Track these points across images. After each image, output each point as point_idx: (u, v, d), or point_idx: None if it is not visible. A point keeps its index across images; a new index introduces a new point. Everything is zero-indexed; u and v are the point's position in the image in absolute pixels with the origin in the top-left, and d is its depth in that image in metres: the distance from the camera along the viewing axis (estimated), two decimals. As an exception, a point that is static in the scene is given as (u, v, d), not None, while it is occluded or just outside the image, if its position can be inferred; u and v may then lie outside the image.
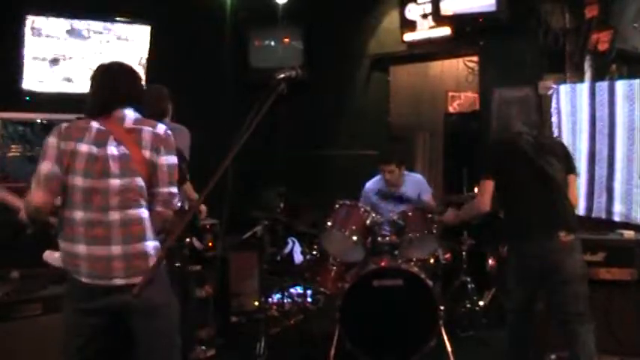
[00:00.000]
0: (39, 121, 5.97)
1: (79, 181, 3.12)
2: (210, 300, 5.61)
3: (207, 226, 5.56)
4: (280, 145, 7.59)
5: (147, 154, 3.19)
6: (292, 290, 6.30)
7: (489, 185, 4.23)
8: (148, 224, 3.20)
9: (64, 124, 3.21)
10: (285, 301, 6.07)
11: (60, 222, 3.19)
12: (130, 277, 3.09)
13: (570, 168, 4.38)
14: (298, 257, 6.41)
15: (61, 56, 6.09)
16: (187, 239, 4.66)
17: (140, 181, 3.17)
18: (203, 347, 5.26)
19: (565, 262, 4.05)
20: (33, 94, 5.98)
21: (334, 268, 5.59)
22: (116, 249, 3.10)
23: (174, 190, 3.28)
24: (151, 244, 3.18)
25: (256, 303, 6.17)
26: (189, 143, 4.93)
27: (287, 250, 6.56)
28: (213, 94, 7.19)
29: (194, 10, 7.18)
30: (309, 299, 5.90)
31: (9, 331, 4.37)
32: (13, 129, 5.89)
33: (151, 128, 3.24)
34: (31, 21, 5.89)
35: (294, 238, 6.62)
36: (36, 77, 5.96)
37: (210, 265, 5.48)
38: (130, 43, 6.48)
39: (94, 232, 3.11)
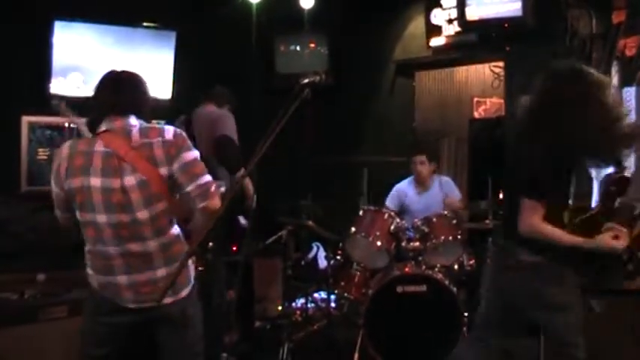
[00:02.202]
0: (66, 125, 6.03)
1: (102, 218, 2.97)
2: (233, 305, 5.62)
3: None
4: (305, 150, 7.60)
5: (163, 170, 2.99)
6: (316, 295, 6.30)
7: None
8: (183, 239, 3.13)
9: (64, 154, 3.03)
10: (309, 306, 6.07)
11: (88, 254, 3.10)
12: (176, 294, 3.06)
13: None
14: (322, 262, 6.42)
15: (88, 61, 6.14)
16: (210, 243, 4.68)
17: (165, 204, 3.02)
18: (225, 354, 5.26)
19: None
20: (60, 99, 6.03)
21: (358, 273, 5.59)
22: (160, 272, 3.04)
23: (204, 179, 3.05)
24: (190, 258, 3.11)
25: (280, 308, 6.17)
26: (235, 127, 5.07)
27: (311, 255, 6.56)
28: (239, 99, 7.22)
29: (219, 16, 7.21)
30: (332, 305, 5.89)
31: (35, 333, 4.41)
32: (41, 133, 5.94)
33: (160, 138, 3.02)
34: (60, 26, 5.95)
35: (318, 244, 6.62)
36: (63, 81, 6.02)
37: (233, 270, 5.49)
38: (156, 49, 6.52)
39: (134, 262, 3.01)
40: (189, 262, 3.11)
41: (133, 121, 3.08)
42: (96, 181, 2.95)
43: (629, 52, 5.44)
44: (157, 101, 3.38)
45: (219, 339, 5.20)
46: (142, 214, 2.97)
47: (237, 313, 5.68)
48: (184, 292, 3.09)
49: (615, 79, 5.60)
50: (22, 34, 5.83)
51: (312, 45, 7.86)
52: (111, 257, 3.01)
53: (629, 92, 5.36)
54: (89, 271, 3.11)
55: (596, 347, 4.47)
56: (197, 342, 3.26)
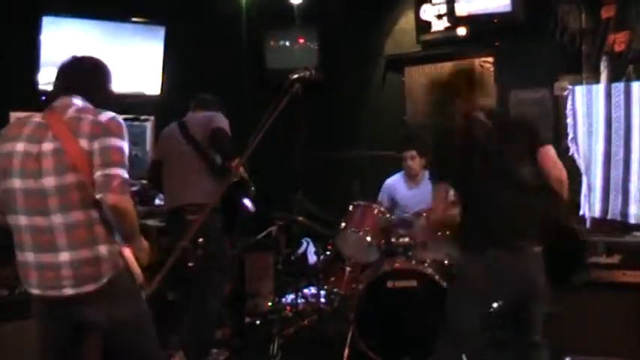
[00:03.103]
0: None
1: (17, 182, 2.90)
2: (225, 301, 5.61)
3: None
4: (297, 145, 7.59)
5: (84, 143, 2.85)
6: (306, 291, 6.31)
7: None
8: (99, 226, 2.90)
9: (6, 127, 3.07)
10: (300, 301, 6.07)
11: (11, 229, 2.99)
12: (79, 286, 2.86)
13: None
14: (312, 258, 6.42)
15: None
16: (200, 239, 4.67)
17: (79, 178, 2.84)
18: (215, 350, 5.26)
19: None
20: (47, 95, 6.00)
21: (348, 268, 5.59)
22: (63, 255, 2.85)
23: (115, 171, 2.86)
24: (105, 248, 2.91)
25: (270, 304, 6.18)
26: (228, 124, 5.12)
27: (301, 250, 6.56)
28: (229, 94, 7.22)
29: (209, 11, 7.19)
30: (323, 300, 5.90)
31: (26, 329, 4.38)
32: (29, 129, 5.91)
33: (91, 116, 2.91)
34: (48, 21, 5.92)
35: (308, 239, 6.62)
36: (52, 77, 5.99)
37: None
38: (145, 44, 6.50)
39: (40, 239, 2.87)
40: (107, 254, 2.90)
41: (77, 101, 3.03)
42: (20, 146, 2.91)
43: (618, 48, 5.45)
44: (113, 93, 3.23)
45: (211, 335, 5.21)
46: (49, 182, 2.84)
47: (228, 309, 5.69)
48: (90, 287, 2.87)
49: (604, 75, 5.62)
50: (10, 29, 5.80)
51: (302, 40, 7.85)
52: (22, 230, 2.91)
53: (618, 87, 5.38)
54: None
55: (588, 341, 4.52)
56: (146, 348, 3.10)
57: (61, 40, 6.02)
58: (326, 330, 5.66)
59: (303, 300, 6.13)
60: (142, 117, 6.50)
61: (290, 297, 6.22)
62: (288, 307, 6.15)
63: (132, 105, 6.17)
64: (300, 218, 5.70)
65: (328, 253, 5.81)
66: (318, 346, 5.54)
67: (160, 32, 6.60)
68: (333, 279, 5.64)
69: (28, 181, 2.87)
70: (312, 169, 6.97)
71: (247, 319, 6.13)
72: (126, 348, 3.04)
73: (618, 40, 5.43)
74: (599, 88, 5.51)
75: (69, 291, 2.86)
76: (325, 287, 5.76)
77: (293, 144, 7.12)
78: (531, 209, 3.48)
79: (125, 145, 2.95)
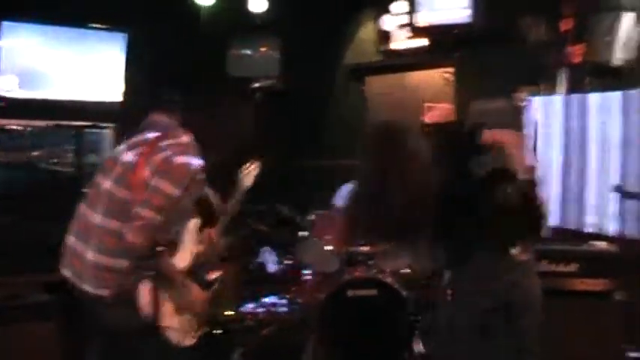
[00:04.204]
0: (14, 127, 5.92)
1: (98, 176, 3.22)
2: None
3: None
4: (257, 154, 7.58)
5: (147, 173, 3.02)
6: (267, 300, 6.28)
7: None
8: (124, 238, 2.97)
9: None
10: (260, 310, 6.05)
11: None
12: (98, 288, 2.99)
13: None
14: (271, 267, 6.41)
15: (35, 63, 6.05)
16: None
17: (126, 194, 3.03)
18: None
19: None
20: (6, 101, 5.93)
21: (309, 278, 5.59)
22: (90, 254, 3.02)
23: (146, 213, 2.96)
24: (128, 263, 3.00)
25: (231, 313, 6.14)
26: None
27: (260, 259, 6.55)
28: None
29: (170, 18, 7.15)
30: (283, 309, 5.89)
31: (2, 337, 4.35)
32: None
33: (170, 153, 3.09)
34: (7, 27, 5.85)
35: (268, 248, 6.61)
36: (9, 84, 5.91)
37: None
38: (106, 51, 6.45)
39: (81, 228, 3.11)
40: (127, 268, 3.02)
41: (185, 136, 3.25)
42: (119, 149, 3.26)
43: (575, 60, 5.53)
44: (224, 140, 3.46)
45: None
46: (106, 185, 3.10)
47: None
48: (105, 292, 3.01)
49: (562, 86, 5.70)
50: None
51: (264, 49, 7.84)
52: (77, 216, 3.18)
53: (575, 99, 5.45)
54: None
55: (546, 348, 4.57)
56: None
57: (22, 46, 5.95)
58: (287, 339, 5.64)
59: (263, 309, 6.12)
60: (102, 125, 6.41)
61: (251, 306, 6.20)
62: (248, 317, 6.12)
63: (92, 113, 6.13)
64: (261, 227, 5.68)
65: (289, 262, 5.80)
66: (279, 356, 5.52)
67: (121, 39, 6.55)
68: (294, 288, 5.64)
69: (100, 177, 3.19)
70: (272, 178, 6.98)
71: (207, 329, 6.08)
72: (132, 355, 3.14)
73: (576, 52, 5.51)
74: (557, 99, 5.58)
75: (88, 288, 3.02)
76: (286, 296, 5.75)
77: (253, 153, 7.12)
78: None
79: (175, 192, 3.06)
